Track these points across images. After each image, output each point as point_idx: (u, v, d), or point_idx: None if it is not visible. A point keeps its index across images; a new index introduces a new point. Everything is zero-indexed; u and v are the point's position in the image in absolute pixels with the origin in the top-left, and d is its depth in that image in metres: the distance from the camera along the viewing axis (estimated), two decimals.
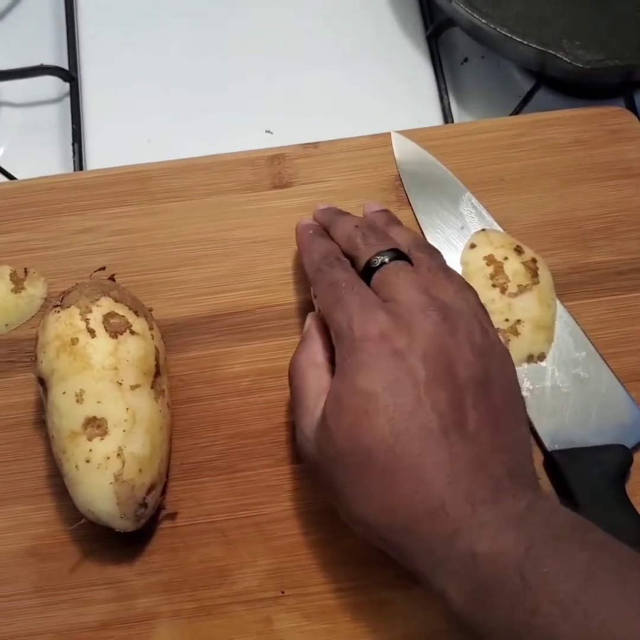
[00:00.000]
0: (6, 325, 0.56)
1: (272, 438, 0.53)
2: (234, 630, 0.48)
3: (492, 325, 0.46)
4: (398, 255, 0.47)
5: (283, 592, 0.49)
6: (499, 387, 0.43)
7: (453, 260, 0.57)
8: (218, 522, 0.51)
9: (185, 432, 0.53)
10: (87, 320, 0.48)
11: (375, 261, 0.46)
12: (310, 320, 0.49)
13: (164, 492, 0.50)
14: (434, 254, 0.49)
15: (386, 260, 0.46)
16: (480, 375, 0.42)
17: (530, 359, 0.53)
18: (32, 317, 0.56)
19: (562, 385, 0.53)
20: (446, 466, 0.39)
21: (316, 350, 0.46)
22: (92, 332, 0.47)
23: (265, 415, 0.53)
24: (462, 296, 0.46)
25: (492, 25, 0.60)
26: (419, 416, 0.40)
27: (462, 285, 0.47)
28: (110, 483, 0.46)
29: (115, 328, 0.48)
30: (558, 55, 0.59)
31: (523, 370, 0.53)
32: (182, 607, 0.49)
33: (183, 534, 0.50)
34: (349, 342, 0.42)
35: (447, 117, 0.67)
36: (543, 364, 0.53)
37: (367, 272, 0.46)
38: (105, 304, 0.49)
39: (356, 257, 0.48)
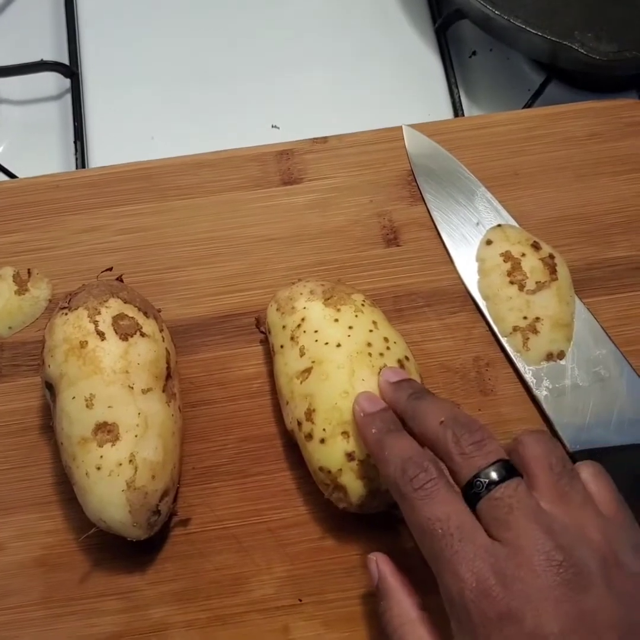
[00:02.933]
0: (9, 328, 0.54)
1: (285, 441, 0.51)
2: None
3: None
4: (506, 469, 0.37)
5: (301, 600, 0.48)
6: None
7: (469, 256, 0.55)
8: (231, 528, 0.50)
9: (196, 436, 0.52)
10: (96, 322, 0.46)
11: (479, 484, 0.37)
12: (376, 565, 0.42)
13: (175, 498, 0.48)
14: (551, 450, 0.39)
15: (494, 479, 0.37)
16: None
17: (549, 357, 0.52)
18: (37, 319, 0.55)
19: (583, 384, 0.52)
20: None
21: (405, 605, 0.40)
22: (101, 335, 0.46)
23: (277, 417, 0.52)
24: (599, 521, 0.37)
25: (505, 16, 0.59)
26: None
27: (598, 500, 0.38)
28: (122, 490, 0.44)
29: (125, 330, 0.47)
30: (573, 46, 0.58)
31: (542, 369, 0.52)
32: (196, 616, 0.48)
33: (196, 541, 0.49)
34: (466, 621, 0.35)
35: (457, 110, 0.66)
36: (562, 362, 0.52)
37: (468, 495, 0.37)
38: (114, 305, 0.48)
39: (451, 469, 0.39)
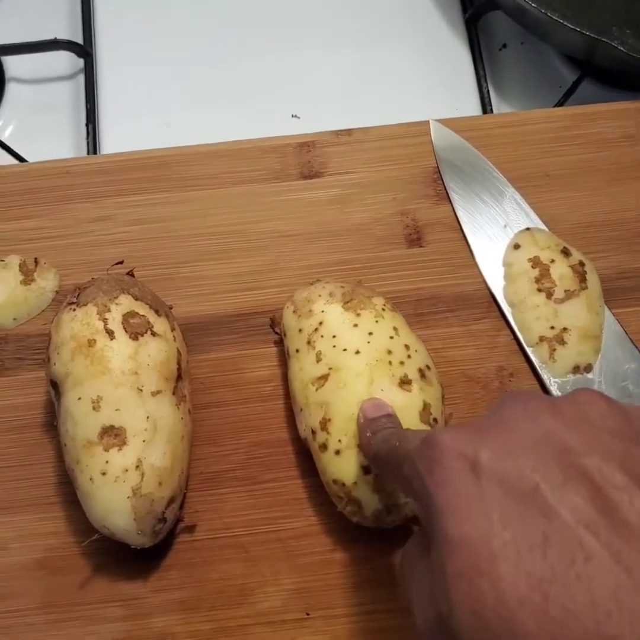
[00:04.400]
0: (14, 319, 0.52)
1: (297, 448, 0.49)
2: None
3: None
4: None
5: (308, 614, 0.46)
6: None
7: (495, 261, 0.53)
8: (239, 537, 0.48)
9: (205, 439, 0.50)
10: (105, 320, 0.44)
11: None
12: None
13: (182, 504, 0.47)
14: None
15: None
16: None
17: (576, 370, 0.50)
18: (43, 311, 0.53)
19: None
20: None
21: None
22: (111, 334, 0.44)
23: (290, 423, 0.50)
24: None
25: (541, 9, 0.56)
26: (560, 538, 0.27)
27: None
28: (128, 497, 0.43)
29: (136, 329, 0.45)
30: (612, 43, 0.55)
31: (568, 382, 0.50)
32: (199, 627, 0.46)
33: (202, 549, 0.48)
34: (421, 491, 0.32)
35: (486, 105, 0.64)
36: (589, 375, 0.50)
37: None
38: (125, 303, 0.45)
39: None
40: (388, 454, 0.37)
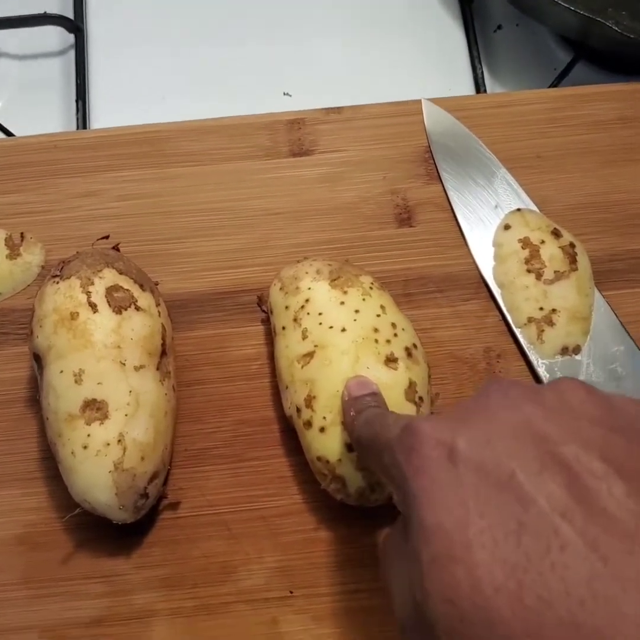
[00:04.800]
0: None
1: (282, 426, 0.49)
2: (236, 631, 0.45)
3: None
4: None
5: (291, 592, 0.46)
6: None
7: (485, 241, 0.53)
8: (222, 514, 0.47)
9: (189, 417, 0.49)
10: (88, 293, 0.44)
11: None
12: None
13: (165, 480, 0.46)
14: None
15: None
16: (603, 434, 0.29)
17: (564, 351, 0.50)
18: (28, 286, 0.52)
19: (597, 381, 0.49)
20: (619, 597, 0.25)
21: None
22: (93, 307, 0.44)
23: (275, 401, 0.50)
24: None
25: None
26: (535, 526, 0.27)
27: None
28: (109, 471, 0.42)
29: (119, 303, 0.44)
30: (607, 24, 0.54)
31: (556, 363, 0.49)
32: (181, 604, 0.46)
33: (185, 526, 0.47)
34: (399, 477, 0.31)
35: (480, 86, 0.63)
36: (578, 357, 0.50)
37: None
38: (109, 276, 0.45)
39: None
40: (369, 439, 0.37)
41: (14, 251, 0.52)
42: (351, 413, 0.41)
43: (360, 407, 0.41)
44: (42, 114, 0.64)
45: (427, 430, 0.30)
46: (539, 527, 0.27)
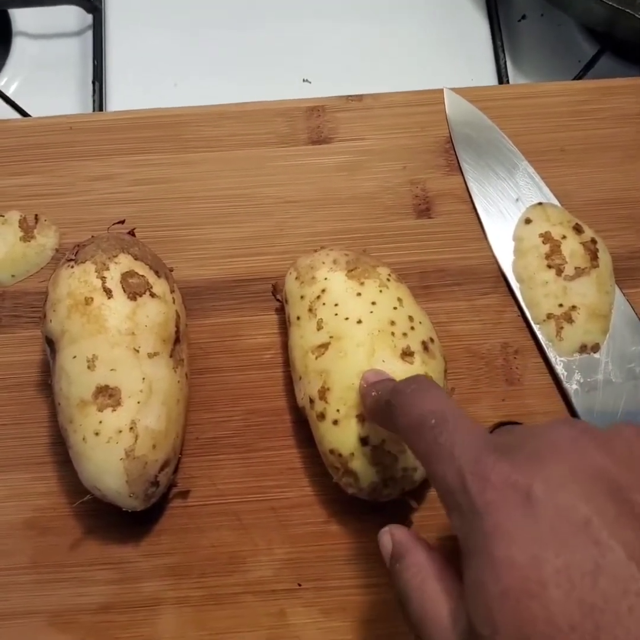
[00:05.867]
0: (12, 275, 0.51)
1: (294, 417, 0.49)
2: (244, 622, 0.45)
3: None
4: None
5: (300, 585, 0.46)
6: None
7: (505, 235, 0.52)
8: (232, 504, 0.47)
9: (201, 405, 0.49)
10: (103, 279, 0.43)
11: None
12: (390, 535, 0.37)
13: (176, 469, 0.46)
14: None
15: None
16: None
17: (583, 349, 0.49)
18: (41, 269, 0.52)
19: (615, 380, 0.48)
20: None
21: (424, 562, 0.35)
22: (108, 292, 0.43)
23: (288, 392, 0.49)
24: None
25: None
26: (613, 570, 0.27)
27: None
28: (121, 459, 0.42)
29: (134, 289, 0.44)
30: (636, 15, 0.53)
31: (574, 361, 0.49)
32: (189, 593, 0.46)
33: (194, 515, 0.47)
34: (467, 502, 0.31)
35: (503, 78, 0.62)
36: (596, 355, 0.49)
37: None
38: (124, 262, 0.44)
39: None
40: (418, 430, 0.35)
41: (28, 233, 0.52)
42: (373, 393, 0.40)
43: (382, 387, 0.40)
44: (58, 94, 0.63)
45: (505, 467, 0.30)
46: (616, 571, 0.27)
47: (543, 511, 0.29)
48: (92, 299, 0.43)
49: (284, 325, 0.49)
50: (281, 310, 0.50)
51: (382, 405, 0.39)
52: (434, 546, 0.36)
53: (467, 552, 0.31)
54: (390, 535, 0.37)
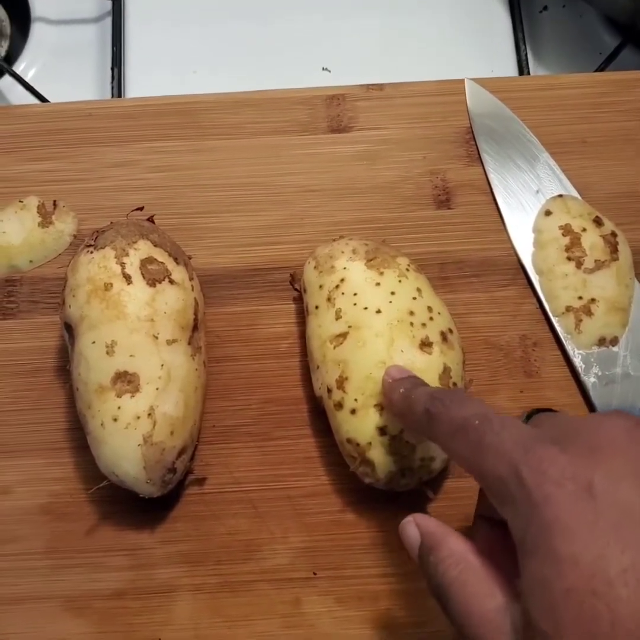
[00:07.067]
0: (30, 261, 0.51)
1: (310, 406, 0.49)
2: (259, 610, 0.45)
3: None
4: None
5: (315, 574, 0.46)
6: None
7: (525, 226, 0.51)
8: (248, 492, 0.47)
9: (218, 393, 0.49)
10: (123, 265, 0.43)
11: None
12: (415, 525, 0.37)
13: (193, 456, 0.46)
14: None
15: None
16: None
17: (601, 342, 0.49)
18: (59, 254, 0.52)
19: (634, 374, 0.48)
20: None
21: (461, 551, 0.34)
22: (128, 278, 0.43)
23: (304, 381, 0.49)
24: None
25: None
26: None
27: None
28: (139, 445, 0.42)
29: (154, 275, 0.43)
30: None
31: (592, 354, 0.49)
32: (204, 581, 0.46)
33: (210, 502, 0.47)
34: (522, 494, 0.30)
35: (523, 69, 0.61)
36: (615, 349, 0.49)
37: None
38: (144, 248, 0.44)
39: None
40: (461, 433, 0.34)
41: (46, 219, 0.52)
42: (400, 390, 0.40)
43: (410, 385, 0.40)
44: (77, 80, 0.63)
45: (563, 460, 0.30)
46: None
47: (605, 506, 0.29)
48: (111, 284, 0.43)
49: (301, 315, 0.49)
50: (299, 300, 0.50)
51: (418, 412, 0.38)
52: (464, 537, 0.35)
53: (524, 546, 0.30)
54: (416, 526, 0.36)
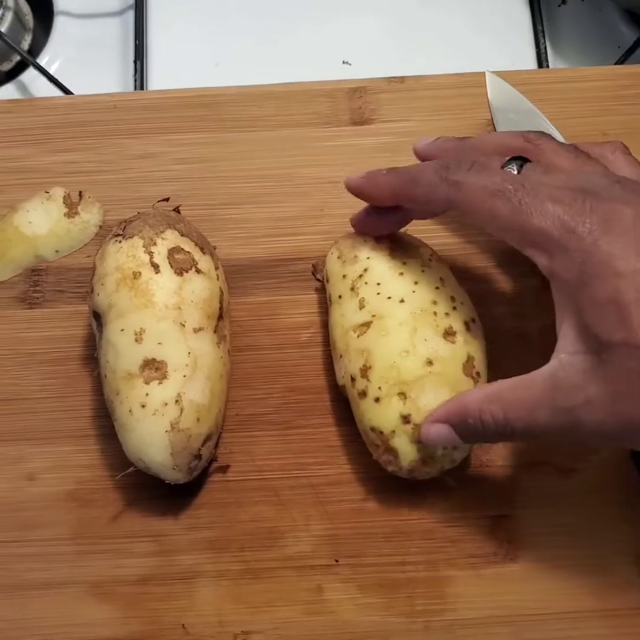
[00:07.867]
0: (56, 251, 0.52)
1: (333, 396, 0.49)
2: (281, 597, 0.46)
3: None
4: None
5: (337, 561, 0.46)
6: None
7: None
8: (271, 480, 0.48)
9: (241, 382, 0.49)
10: (151, 254, 0.44)
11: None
12: (433, 424, 0.41)
13: (217, 443, 0.47)
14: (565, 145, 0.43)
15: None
16: None
17: None
18: (85, 245, 0.52)
19: None
20: None
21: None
22: (156, 267, 0.43)
23: (326, 371, 0.49)
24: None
25: None
26: None
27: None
28: (166, 431, 0.42)
29: (181, 265, 0.44)
30: None
31: None
32: (228, 567, 0.46)
33: (234, 490, 0.48)
34: (575, 245, 0.36)
35: (542, 63, 0.62)
36: None
37: None
38: (171, 238, 0.45)
39: None
40: (498, 198, 0.38)
41: (72, 210, 0.53)
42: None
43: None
44: (100, 73, 0.64)
45: (603, 205, 0.36)
46: None
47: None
48: (140, 273, 0.43)
49: (323, 305, 0.50)
50: (321, 290, 0.51)
51: (438, 185, 0.41)
52: None
53: (579, 283, 0.35)
54: (435, 422, 0.41)
